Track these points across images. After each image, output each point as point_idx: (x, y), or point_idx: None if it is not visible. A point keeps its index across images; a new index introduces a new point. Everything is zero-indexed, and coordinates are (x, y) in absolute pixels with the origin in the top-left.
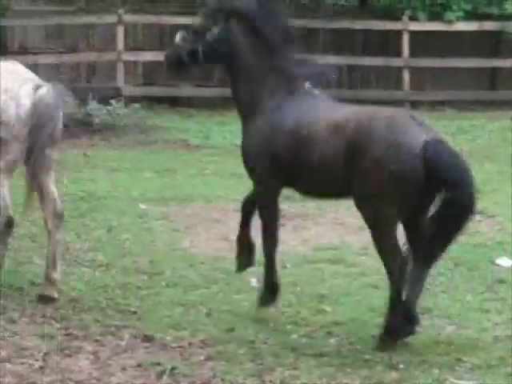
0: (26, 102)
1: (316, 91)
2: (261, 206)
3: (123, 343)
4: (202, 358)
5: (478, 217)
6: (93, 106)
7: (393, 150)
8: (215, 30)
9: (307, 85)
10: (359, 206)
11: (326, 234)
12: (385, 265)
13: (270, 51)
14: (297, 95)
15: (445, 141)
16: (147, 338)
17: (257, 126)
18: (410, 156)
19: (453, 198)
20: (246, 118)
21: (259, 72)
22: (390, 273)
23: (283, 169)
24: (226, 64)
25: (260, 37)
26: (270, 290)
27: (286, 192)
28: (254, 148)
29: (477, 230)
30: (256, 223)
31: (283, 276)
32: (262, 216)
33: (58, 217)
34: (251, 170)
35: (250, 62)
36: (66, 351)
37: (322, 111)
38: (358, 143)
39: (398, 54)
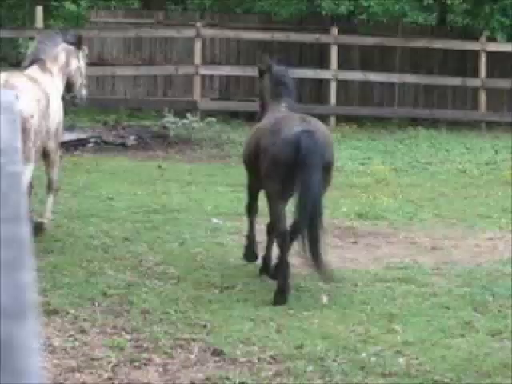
0: None
1: (285, 110)
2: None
3: (192, 356)
4: (270, 373)
5: None
6: (169, 118)
7: (274, 139)
8: (260, 83)
9: (283, 105)
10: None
11: (398, 253)
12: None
13: (277, 91)
14: (272, 113)
15: (316, 131)
16: (216, 352)
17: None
18: (283, 142)
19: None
20: None
21: (268, 103)
22: (276, 238)
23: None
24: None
25: (273, 82)
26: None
27: (359, 210)
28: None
29: None
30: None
31: (354, 294)
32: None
33: None
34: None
35: (265, 98)
36: (136, 363)
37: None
38: (260, 140)
39: (476, 74)
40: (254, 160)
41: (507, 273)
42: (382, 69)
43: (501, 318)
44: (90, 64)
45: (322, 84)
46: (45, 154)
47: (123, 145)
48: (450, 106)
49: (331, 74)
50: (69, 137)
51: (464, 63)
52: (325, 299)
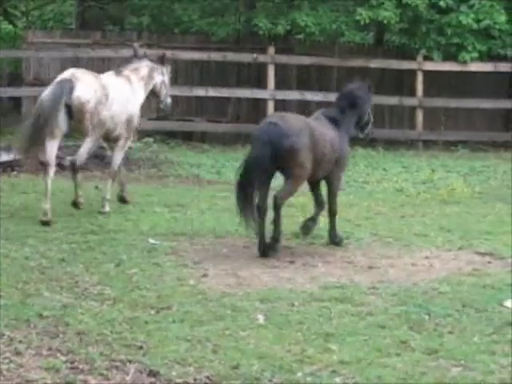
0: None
1: (320, 117)
2: None
3: (128, 378)
4: None
5: (487, 258)
6: None
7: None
8: None
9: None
10: None
11: (335, 273)
12: None
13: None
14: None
15: (279, 123)
16: (152, 373)
17: None
18: (254, 131)
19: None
20: None
21: None
22: None
23: None
24: None
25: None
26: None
27: (296, 229)
28: None
29: (486, 271)
30: None
31: (291, 314)
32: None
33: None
34: None
35: None
36: None
37: None
38: None
39: (413, 93)
40: None
41: (443, 291)
42: (320, 88)
43: (436, 337)
44: (27, 84)
45: (260, 103)
46: (115, 139)
47: (60, 165)
48: (387, 125)
49: (269, 93)
50: (6, 157)
51: (401, 82)
52: (261, 319)
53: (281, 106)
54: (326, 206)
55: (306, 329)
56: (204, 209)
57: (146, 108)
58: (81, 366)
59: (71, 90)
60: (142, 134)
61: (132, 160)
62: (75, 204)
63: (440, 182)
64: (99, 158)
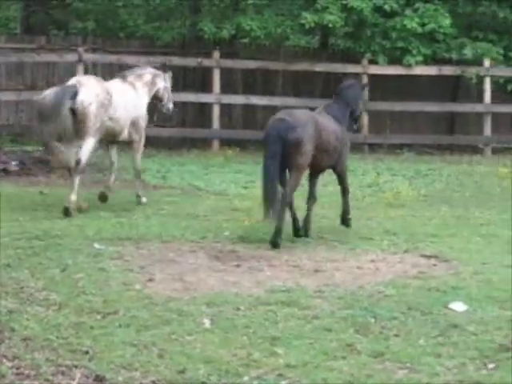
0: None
1: (322, 112)
2: None
3: (74, 383)
4: None
5: (432, 261)
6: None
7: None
8: None
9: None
10: None
11: (281, 276)
12: None
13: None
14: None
15: (286, 118)
16: (99, 378)
17: None
18: (265, 128)
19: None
20: None
21: None
22: None
23: None
24: None
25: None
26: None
27: (242, 233)
28: None
29: (431, 274)
30: None
31: (237, 318)
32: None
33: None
34: None
35: None
36: None
37: None
38: None
39: None
40: None
41: (389, 294)
42: (265, 92)
43: (383, 340)
44: None
45: (205, 108)
46: (129, 143)
47: (5, 171)
48: None
49: (214, 97)
50: None
51: None
52: (207, 323)
53: (226, 110)
54: (340, 188)
55: (252, 333)
56: (150, 214)
57: None
58: (26, 372)
59: (75, 94)
60: None
61: None
62: (66, 210)
63: (385, 186)
64: (45, 163)
